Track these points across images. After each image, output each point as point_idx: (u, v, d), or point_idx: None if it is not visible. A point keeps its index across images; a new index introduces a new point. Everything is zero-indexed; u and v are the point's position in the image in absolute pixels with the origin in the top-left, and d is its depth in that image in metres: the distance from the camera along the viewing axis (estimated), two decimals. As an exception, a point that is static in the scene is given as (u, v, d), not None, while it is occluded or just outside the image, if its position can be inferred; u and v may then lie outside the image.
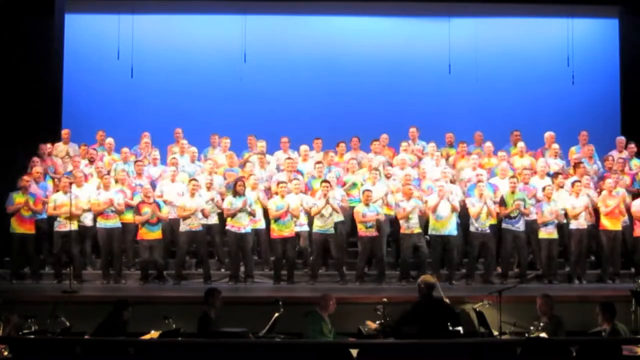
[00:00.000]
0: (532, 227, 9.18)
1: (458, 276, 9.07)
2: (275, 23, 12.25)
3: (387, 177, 9.54)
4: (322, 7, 12.34)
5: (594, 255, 9.40)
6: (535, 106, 12.04)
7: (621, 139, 10.42)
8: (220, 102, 11.90)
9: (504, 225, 9.07)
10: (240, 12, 11.95)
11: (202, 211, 8.92)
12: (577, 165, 9.66)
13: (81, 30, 11.99)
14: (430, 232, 8.96)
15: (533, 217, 9.13)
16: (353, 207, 9.10)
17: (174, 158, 9.70)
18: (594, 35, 12.50)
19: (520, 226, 9.04)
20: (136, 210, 8.96)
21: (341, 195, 9.13)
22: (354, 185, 9.49)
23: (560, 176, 9.38)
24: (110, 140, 10.29)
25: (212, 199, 9.09)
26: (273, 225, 8.95)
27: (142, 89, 11.82)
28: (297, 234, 9.09)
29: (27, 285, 8.91)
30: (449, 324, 5.86)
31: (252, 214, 8.91)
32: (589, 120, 11.20)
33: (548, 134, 10.41)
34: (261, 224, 9.17)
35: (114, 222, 9.04)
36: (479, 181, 9.00)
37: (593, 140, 10.45)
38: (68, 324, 6.39)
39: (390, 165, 9.85)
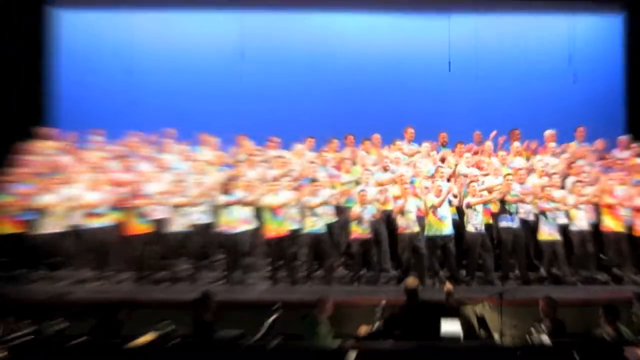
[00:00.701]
0: (531, 227, 9.10)
1: (460, 277, 8.93)
2: (273, 20, 12.16)
3: (385, 169, 9.49)
4: (320, 4, 12.25)
5: (599, 258, 9.23)
6: (536, 104, 11.92)
7: (624, 138, 10.31)
8: (218, 100, 11.82)
9: (503, 224, 8.98)
10: (238, 9, 11.89)
11: None
12: (571, 165, 9.57)
13: (78, 29, 11.93)
14: (431, 232, 8.81)
15: (531, 217, 9.08)
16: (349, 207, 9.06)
17: (160, 159, 9.66)
18: (596, 33, 12.40)
19: (517, 224, 8.98)
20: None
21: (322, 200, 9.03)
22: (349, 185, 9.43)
23: (555, 176, 9.28)
24: (99, 138, 10.21)
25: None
26: (269, 224, 8.88)
27: (140, 88, 11.76)
28: (293, 233, 9.00)
29: (21, 286, 8.80)
30: (442, 323, 5.77)
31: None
32: (592, 119, 11.01)
33: (548, 132, 10.31)
34: (254, 224, 9.09)
35: (106, 222, 8.98)
36: (472, 181, 8.96)
37: (595, 139, 10.33)
38: (63, 325, 6.28)
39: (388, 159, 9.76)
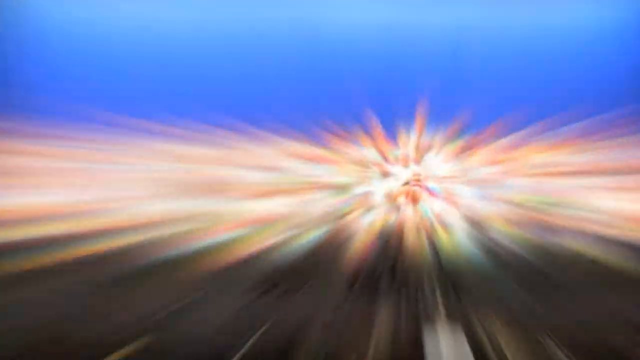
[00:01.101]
0: (559, 235, 8.47)
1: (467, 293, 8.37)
2: (264, 3, 12.01)
3: (385, 174, 9.03)
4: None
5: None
6: (559, 94, 11.60)
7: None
8: (210, 89, 11.62)
9: (525, 232, 8.42)
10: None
11: None
12: (600, 163, 9.14)
13: (50, 14, 11.88)
14: (439, 242, 8.37)
15: (558, 224, 8.49)
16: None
17: (142, 158, 9.33)
18: (626, 12, 12.08)
19: (542, 232, 8.41)
20: None
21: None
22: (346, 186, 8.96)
23: (583, 176, 8.83)
24: (75, 134, 9.90)
25: None
26: (252, 233, 8.47)
27: (118, 75, 11.65)
28: (285, 241, 8.51)
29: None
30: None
31: None
32: (620, 109, 10.67)
33: (572, 127, 9.87)
34: (240, 232, 8.66)
35: (79, 229, 8.45)
36: (489, 182, 8.53)
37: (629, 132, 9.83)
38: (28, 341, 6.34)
39: (386, 160, 9.30)
